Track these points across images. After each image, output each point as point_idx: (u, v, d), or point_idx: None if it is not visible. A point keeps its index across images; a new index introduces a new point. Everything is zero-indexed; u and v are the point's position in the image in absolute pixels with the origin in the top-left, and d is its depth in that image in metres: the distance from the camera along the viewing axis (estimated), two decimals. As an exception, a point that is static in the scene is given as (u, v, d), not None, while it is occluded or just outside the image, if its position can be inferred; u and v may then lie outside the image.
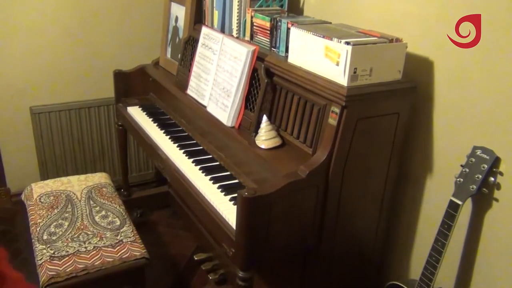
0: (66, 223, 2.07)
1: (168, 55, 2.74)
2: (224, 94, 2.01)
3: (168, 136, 2.34)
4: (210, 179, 1.92)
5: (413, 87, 1.71)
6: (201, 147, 2.22)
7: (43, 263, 1.83)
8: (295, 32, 1.76)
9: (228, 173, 1.99)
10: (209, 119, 2.09)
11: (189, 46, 2.43)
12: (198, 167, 2.03)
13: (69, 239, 1.97)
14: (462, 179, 1.55)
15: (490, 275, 1.67)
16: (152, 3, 3.06)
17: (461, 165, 1.57)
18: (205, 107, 2.15)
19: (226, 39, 2.07)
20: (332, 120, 1.59)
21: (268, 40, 2.02)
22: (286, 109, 1.82)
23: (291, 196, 1.57)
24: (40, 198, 2.26)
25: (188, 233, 2.89)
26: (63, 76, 2.95)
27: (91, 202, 2.25)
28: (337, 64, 1.58)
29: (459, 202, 1.53)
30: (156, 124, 2.49)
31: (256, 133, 1.85)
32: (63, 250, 1.89)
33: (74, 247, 1.91)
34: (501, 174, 1.55)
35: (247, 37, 2.15)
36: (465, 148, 1.64)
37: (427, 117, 1.81)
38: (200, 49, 2.26)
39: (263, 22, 2.03)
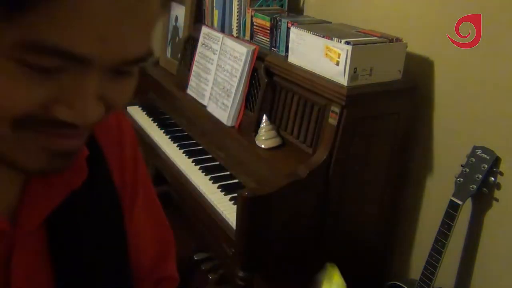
0: (66, 223, 2.07)
1: (168, 55, 2.74)
2: (224, 94, 2.01)
3: (168, 136, 2.33)
4: (210, 179, 1.92)
5: (413, 87, 1.71)
6: (201, 147, 2.22)
7: (42, 263, 1.82)
8: (295, 31, 1.76)
9: (228, 172, 1.99)
10: (209, 119, 2.09)
11: (189, 45, 2.43)
12: (198, 166, 2.02)
13: (69, 239, 1.96)
14: (462, 179, 1.55)
15: (490, 275, 1.66)
16: (152, 3, 3.05)
17: (461, 165, 1.57)
18: (205, 106, 2.15)
19: (226, 39, 2.07)
20: (332, 120, 1.59)
21: (268, 40, 2.02)
22: (286, 109, 1.82)
23: (291, 196, 1.57)
24: (40, 198, 2.25)
25: (188, 233, 2.88)
26: (63, 75, 2.94)
27: (91, 202, 2.24)
28: (337, 64, 1.58)
29: (459, 202, 1.53)
30: (155, 123, 2.49)
31: (256, 132, 1.84)
32: (63, 250, 1.89)
33: (74, 247, 1.91)
34: (501, 174, 1.55)
35: (247, 37, 2.15)
36: (465, 148, 1.64)
37: (427, 117, 1.80)
38: (200, 48, 2.26)
39: (263, 21, 2.03)
